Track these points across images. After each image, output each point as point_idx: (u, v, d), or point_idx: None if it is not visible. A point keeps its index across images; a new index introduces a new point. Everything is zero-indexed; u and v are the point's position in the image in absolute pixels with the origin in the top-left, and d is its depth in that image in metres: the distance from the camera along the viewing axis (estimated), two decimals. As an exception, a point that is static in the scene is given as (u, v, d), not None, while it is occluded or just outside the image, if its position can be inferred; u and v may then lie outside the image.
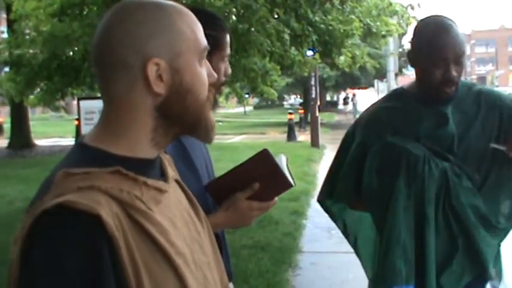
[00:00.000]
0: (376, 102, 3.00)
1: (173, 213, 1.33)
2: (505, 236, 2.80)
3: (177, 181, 1.48)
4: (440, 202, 2.64)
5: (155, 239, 1.20)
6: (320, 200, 3.12)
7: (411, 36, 2.78)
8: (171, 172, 1.44)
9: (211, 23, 2.23)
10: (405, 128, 2.73)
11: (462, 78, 2.74)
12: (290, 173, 2.11)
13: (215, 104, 2.39)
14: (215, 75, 1.39)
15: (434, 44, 2.61)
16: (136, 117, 1.28)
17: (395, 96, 2.91)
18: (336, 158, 3.02)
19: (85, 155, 1.26)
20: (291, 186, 2.07)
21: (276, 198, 2.13)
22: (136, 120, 1.28)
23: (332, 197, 3.01)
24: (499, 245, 2.80)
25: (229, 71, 2.34)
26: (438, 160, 2.65)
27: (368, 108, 2.98)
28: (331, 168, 3.04)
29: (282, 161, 2.10)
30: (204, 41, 1.34)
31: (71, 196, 1.12)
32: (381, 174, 2.74)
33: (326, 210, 3.11)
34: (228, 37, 2.30)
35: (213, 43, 2.12)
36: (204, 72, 1.33)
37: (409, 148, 2.66)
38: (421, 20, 2.81)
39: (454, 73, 2.61)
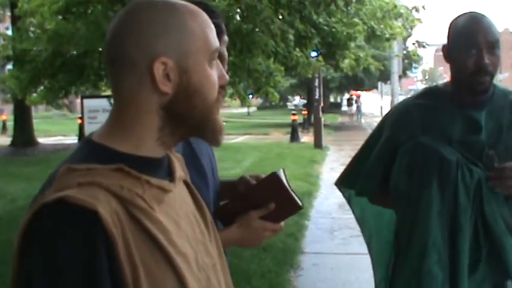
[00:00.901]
0: (408, 98, 2.95)
1: (177, 213, 1.32)
2: None
3: (185, 182, 1.47)
4: (472, 210, 2.57)
5: (155, 237, 1.19)
6: (339, 186, 3.08)
7: (448, 30, 2.71)
8: (180, 173, 1.43)
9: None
10: (436, 128, 2.65)
11: (498, 83, 2.67)
12: (292, 190, 2.08)
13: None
14: (227, 77, 1.39)
15: (466, 31, 2.57)
16: (143, 115, 1.28)
17: (428, 94, 2.83)
18: (361, 151, 2.96)
19: (90, 151, 1.27)
20: (300, 208, 2.06)
21: (283, 223, 2.11)
22: (143, 118, 1.28)
23: (353, 188, 2.97)
24: None
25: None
26: (472, 166, 2.57)
27: (398, 104, 2.94)
28: (355, 159, 2.98)
29: (281, 175, 2.08)
30: (215, 43, 1.33)
31: (70, 191, 1.13)
32: (411, 175, 2.65)
33: (343, 194, 3.11)
34: (225, 37, 2.23)
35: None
36: (213, 73, 1.33)
37: (443, 152, 2.59)
38: (457, 17, 2.74)
39: (487, 61, 2.53)
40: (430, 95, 2.78)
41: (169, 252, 1.21)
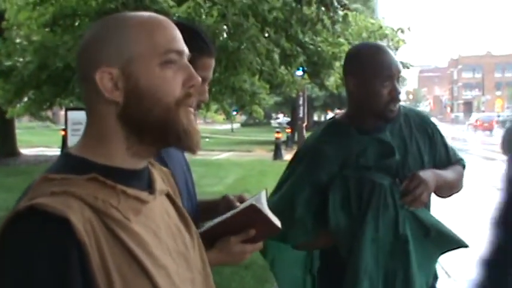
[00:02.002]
0: (313, 136, 2.90)
1: (157, 225, 1.31)
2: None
3: (168, 195, 1.46)
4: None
5: (130, 248, 1.19)
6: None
7: (347, 63, 2.76)
8: (161, 185, 1.43)
9: (188, 38, 2.16)
10: (352, 160, 2.67)
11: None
12: (271, 212, 2.10)
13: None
14: (198, 78, 1.35)
15: (377, 60, 2.62)
16: (106, 126, 1.30)
17: (332, 130, 2.80)
18: (281, 200, 2.78)
19: (67, 162, 1.29)
20: (278, 228, 2.07)
21: (261, 242, 2.12)
22: (107, 130, 1.30)
23: (284, 241, 2.78)
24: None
25: (203, 96, 2.19)
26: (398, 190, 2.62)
27: (308, 145, 2.88)
28: (279, 209, 2.59)
29: (262, 197, 2.10)
30: (168, 44, 1.31)
31: (43, 199, 1.14)
32: (346, 210, 2.64)
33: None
34: (207, 60, 2.19)
35: None
36: (168, 75, 1.30)
37: (375, 179, 2.62)
38: (353, 47, 2.86)
39: (399, 89, 2.65)
40: (335, 131, 2.78)
41: (145, 264, 1.21)
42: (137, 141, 1.31)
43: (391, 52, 2.71)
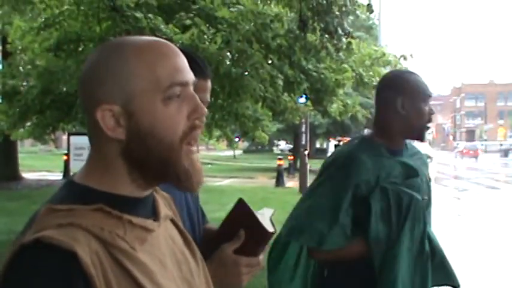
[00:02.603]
0: (349, 148, 2.96)
1: (162, 253, 1.29)
2: None
3: (173, 221, 1.45)
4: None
5: (137, 279, 1.17)
6: (295, 239, 2.97)
7: (392, 86, 2.91)
8: (165, 211, 1.41)
9: None
10: (385, 176, 2.82)
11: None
12: (272, 223, 2.05)
13: None
14: (204, 109, 1.29)
15: (422, 83, 2.90)
16: (109, 161, 1.26)
17: (367, 145, 2.91)
18: (324, 201, 2.87)
19: (71, 191, 1.25)
20: (270, 233, 1.98)
21: (261, 257, 2.05)
22: (110, 164, 1.26)
23: (321, 243, 2.83)
24: None
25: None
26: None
27: (346, 154, 2.92)
28: (313, 213, 2.89)
29: (266, 213, 2.06)
30: (172, 78, 1.24)
31: (49, 232, 1.11)
32: (386, 220, 2.77)
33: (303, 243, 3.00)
34: (201, 82, 2.15)
35: None
36: (172, 111, 1.24)
37: (414, 194, 2.81)
38: (389, 73, 3.13)
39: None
40: (370, 146, 2.90)
41: None
42: (140, 176, 1.27)
43: None
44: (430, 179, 3.07)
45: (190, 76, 1.30)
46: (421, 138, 2.94)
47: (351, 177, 2.80)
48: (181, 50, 1.35)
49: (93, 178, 1.26)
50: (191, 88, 1.29)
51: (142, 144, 1.23)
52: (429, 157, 50.99)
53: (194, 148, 1.30)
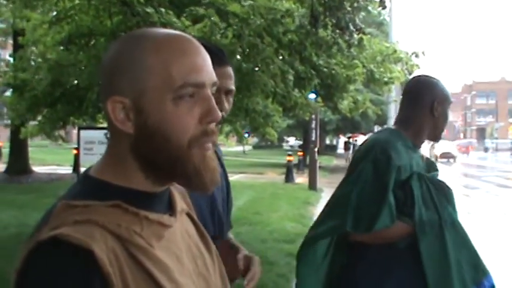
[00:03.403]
0: (383, 136, 3.15)
1: (179, 248, 1.29)
2: None
3: (188, 214, 1.44)
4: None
5: (154, 276, 1.16)
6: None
7: (433, 90, 3.17)
8: (181, 205, 1.39)
9: None
10: (413, 165, 3.05)
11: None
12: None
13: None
14: (218, 114, 1.24)
15: (447, 90, 3.19)
16: (122, 154, 1.25)
17: (398, 136, 3.12)
18: (360, 187, 2.98)
19: (87, 186, 1.24)
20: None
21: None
22: (124, 157, 1.25)
23: (371, 224, 2.91)
24: None
25: (221, 105, 2.25)
26: None
27: (383, 141, 3.06)
28: (359, 196, 2.97)
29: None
30: (186, 77, 1.21)
31: (66, 229, 1.10)
32: (426, 206, 2.97)
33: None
34: (215, 69, 2.23)
35: None
36: (181, 112, 1.21)
37: (444, 181, 3.12)
38: (420, 76, 3.33)
39: None
40: (401, 137, 3.11)
41: None
42: (152, 173, 1.25)
43: None
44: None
45: (208, 77, 1.26)
46: (438, 139, 3.26)
47: (393, 160, 2.96)
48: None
49: (109, 172, 1.25)
50: (208, 90, 1.25)
51: (150, 142, 1.21)
52: (453, 156, 50.57)
53: (209, 145, 1.26)
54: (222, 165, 2.57)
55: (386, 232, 2.92)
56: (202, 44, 2.34)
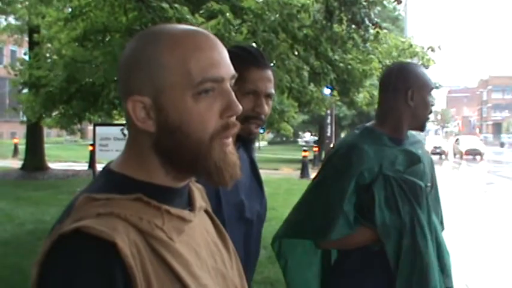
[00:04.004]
0: (352, 137, 3.05)
1: (198, 244, 1.30)
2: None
3: (206, 211, 1.45)
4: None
5: (175, 269, 1.17)
6: (293, 238, 3.08)
7: (400, 78, 2.98)
8: (201, 202, 1.40)
9: (231, 54, 2.26)
10: (387, 164, 2.89)
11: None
12: None
13: (251, 138, 2.40)
14: (239, 107, 1.26)
15: (427, 75, 3.00)
16: (143, 152, 1.26)
17: (370, 134, 2.98)
18: (321, 194, 2.97)
19: (109, 180, 1.26)
20: None
21: None
22: (145, 154, 1.26)
23: (326, 234, 2.89)
24: None
25: (261, 109, 2.30)
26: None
27: (349, 143, 2.99)
28: (319, 204, 2.97)
29: None
30: (204, 73, 1.21)
31: (89, 222, 1.10)
32: (391, 207, 2.83)
33: (279, 248, 3.10)
34: (256, 71, 2.27)
35: None
36: (201, 107, 1.22)
37: (416, 181, 2.89)
38: (392, 64, 3.23)
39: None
40: (373, 136, 2.97)
41: (187, 284, 1.18)
42: (174, 169, 1.26)
43: None
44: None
45: (227, 71, 1.26)
46: (422, 128, 3.05)
47: (353, 166, 2.87)
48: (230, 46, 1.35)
49: (130, 167, 1.26)
50: (227, 84, 1.26)
51: (171, 139, 1.22)
52: (480, 153, 46.82)
53: (229, 140, 1.27)
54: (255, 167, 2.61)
55: (347, 240, 2.89)
56: (245, 48, 2.37)
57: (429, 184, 3.00)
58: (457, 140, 53.75)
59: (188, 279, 1.18)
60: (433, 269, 2.81)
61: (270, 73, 2.33)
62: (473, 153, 46.77)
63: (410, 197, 2.84)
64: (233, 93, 1.26)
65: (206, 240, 1.35)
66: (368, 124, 3.09)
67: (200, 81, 1.21)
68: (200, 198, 1.42)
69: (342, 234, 2.85)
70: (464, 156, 46.24)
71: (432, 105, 3.03)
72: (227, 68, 1.26)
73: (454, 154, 50.65)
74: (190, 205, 1.35)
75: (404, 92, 2.92)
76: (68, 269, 1.08)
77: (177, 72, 1.21)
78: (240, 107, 1.27)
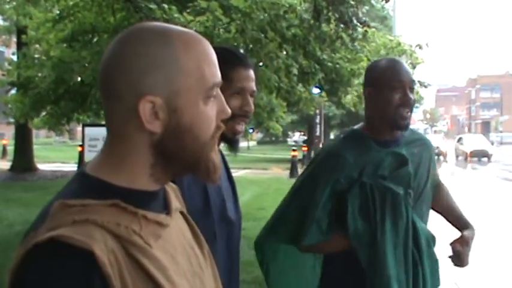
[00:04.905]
0: (334, 143, 3.06)
1: (174, 248, 1.27)
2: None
3: (181, 213, 1.43)
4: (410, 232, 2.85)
5: (152, 276, 1.14)
6: (265, 243, 3.10)
7: (365, 75, 3.00)
8: (176, 204, 1.38)
9: (217, 55, 2.32)
10: (370, 169, 2.84)
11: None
12: None
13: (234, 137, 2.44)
14: (228, 111, 1.31)
15: (391, 70, 2.83)
16: (133, 152, 1.23)
17: (353, 138, 2.96)
18: (297, 200, 2.99)
19: (84, 185, 1.22)
20: None
21: None
22: (133, 155, 1.23)
23: (300, 240, 2.92)
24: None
25: (249, 107, 2.36)
26: (409, 199, 2.87)
27: (329, 150, 3.02)
28: (289, 212, 3.00)
29: None
30: (213, 78, 1.25)
31: (65, 230, 1.07)
32: (365, 215, 2.81)
33: (262, 253, 3.11)
34: (242, 71, 2.33)
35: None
36: (209, 111, 1.25)
37: (393, 188, 2.82)
38: (371, 65, 3.03)
39: (411, 96, 2.84)
40: (356, 139, 2.93)
41: None
42: (163, 170, 1.26)
43: (404, 63, 2.94)
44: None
45: (220, 76, 1.31)
46: (398, 127, 2.86)
47: (329, 173, 2.87)
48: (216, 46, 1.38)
49: (108, 170, 1.23)
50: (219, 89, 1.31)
51: (179, 141, 1.23)
52: (487, 155, 40.13)
53: (216, 142, 1.31)
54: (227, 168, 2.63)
55: (321, 246, 2.92)
56: (228, 49, 2.44)
57: (410, 190, 2.87)
58: (459, 139, 47.22)
59: (166, 285, 1.16)
60: (392, 280, 2.76)
61: (252, 72, 2.40)
62: (480, 154, 40.51)
63: (385, 205, 2.80)
64: (223, 97, 1.31)
65: (182, 244, 1.33)
66: (357, 127, 3.05)
67: (212, 86, 1.25)
68: (175, 199, 1.40)
69: (315, 241, 2.88)
70: (469, 158, 40.55)
71: (405, 99, 2.82)
72: (219, 73, 1.30)
73: (457, 156, 44.66)
74: (166, 207, 1.32)
75: (367, 91, 2.91)
76: (43, 280, 1.04)
77: (193, 75, 1.22)
78: (230, 110, 1.32)
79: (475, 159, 40.68)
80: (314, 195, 2.88)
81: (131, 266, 1.12)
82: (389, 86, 2.81)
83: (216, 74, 1.27)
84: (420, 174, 2.96)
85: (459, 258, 2.94)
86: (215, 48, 1.40)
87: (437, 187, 3.17)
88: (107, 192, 1.18)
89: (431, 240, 2.92)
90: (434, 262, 2.92)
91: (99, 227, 1.11)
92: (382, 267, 2.76)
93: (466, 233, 3.02)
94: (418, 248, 2.85)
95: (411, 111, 2.89)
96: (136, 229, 1.16)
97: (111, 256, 1.09)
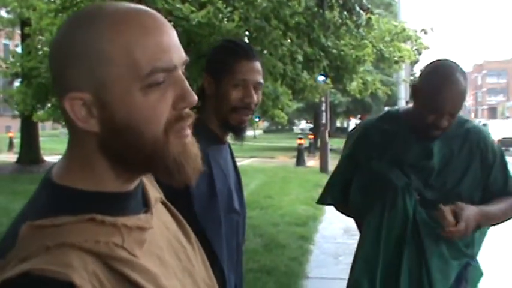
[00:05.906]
0: (371, 120, 3.13)
1: (160, 248, 1.18)
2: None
3: (163, 202, 1.32)
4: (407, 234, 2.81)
5: (141, 287, 1.04)
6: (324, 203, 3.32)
7: (421, 74, 2.86)
8: (154, 194, 1.27)
9: (221, 47, 2.37)
10: (391, 153, 2.88)
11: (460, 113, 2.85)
12: None
13: (241, 129, 2.43)
14: (193, 97, 1.10)
15: (436, 95, 2.68)
16: (87, 153, 1.10)
17: (389, 118, 3.01)
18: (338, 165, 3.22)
19: (53, 197, 1.09)
20: None
21: None
22: (88, 156, 1.10)
23: (325, 200, 3.24)
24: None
25: (251, 99, 2.34)
26: (413, 192, 2.82)
27: (361, 124, 3.20)
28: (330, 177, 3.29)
29: None
30: (154, 62, 1.05)
31: (38, 261, 0.94)
32: (362, 195, 2.95)
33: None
34: (245, 63, 2.32)
35: (221, 67, 2.20)
36: (152, 102, 1.06)
37: (393, 178, 2.83)
38: (433, 63, 2.83)
39: (446, 122, 2.73)
40: (391, 120, 2.98)
41: None
42: (125, 171, 1.13)
43: (459, 86, 2.70)
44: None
45: (179, 57, 1.10)
46: (424, 134, 2.84)
47: (352, 146, 3.05)
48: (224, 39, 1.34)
49: (75, 176, 1.10)
50: (179, 71, 1.10)
51: (121, 138, 1.07)
52: None
53: (187, 132, 1.13)
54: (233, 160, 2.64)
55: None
56: (232, 40, 2.45)
57: (416, 191, 2.81)
58: (484, 125, 34.43)
59: None
60: (364, 263, 2.89)
61: (258, 64, 2.38)
62: (509, 143, 32.07)
63: (381, 192, 2.85)
64: (186, 82, 1.11)
65: (168, 239, 1.24)
66: (402, 109, 3.07)
67: (149, 72, 1.05)
68: (153, 190, 1.30)
69: (327, 203, 3.24)
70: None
71: (440, 123, 2.73)
72: (179, 53, 1.10)
73: None
74: (145, 204, 1.21)
75: (415, 88, 2.83)
76: None
77: (121, 62, 1.04)
78: (195, 97, 1.11)
79: (503, 148, 33.54)
80: (339, 163, 3.15)
81: (119, 283, 1.02)
82: (427, 107, 2.72)
83: (159, 56, 1.06)
84: (452, 171, 2.84)
85: (439, 215, 2.64)
86: (221, 41, 1.35)
87: (493, 194, 2.92)
88: (79, 201, 1.08)
89: (445, 241, 2.76)
90: (444, 263, 2.81)
91: (77, 250, 0.99)
92: (359, 244, 2.99)
93: (473, 206, 2.72)
94: (420, 245, 2.78)
95: (445, 130, 2.79)
96: (119, 242, 1.05)
97: (94, 281, 0.98)
